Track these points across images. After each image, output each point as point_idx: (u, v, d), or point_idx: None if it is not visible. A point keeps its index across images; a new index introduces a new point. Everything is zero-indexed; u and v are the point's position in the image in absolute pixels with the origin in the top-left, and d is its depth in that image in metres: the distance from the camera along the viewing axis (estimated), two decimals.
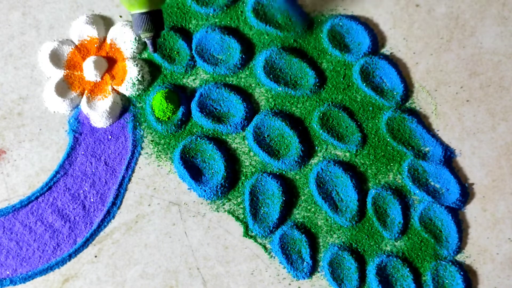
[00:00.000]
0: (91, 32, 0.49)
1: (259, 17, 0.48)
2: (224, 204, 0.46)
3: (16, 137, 0.48)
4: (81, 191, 0.46)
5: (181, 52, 0.48)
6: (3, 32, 0.49)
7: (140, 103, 0.48)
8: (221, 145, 0.47)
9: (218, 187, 0.46)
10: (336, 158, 0.47)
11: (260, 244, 0.45)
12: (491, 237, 0.45)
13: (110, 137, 0.48)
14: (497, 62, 0.48)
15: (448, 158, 0.46)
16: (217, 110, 0.47)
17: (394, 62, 0.48)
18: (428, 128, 0.47)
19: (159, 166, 0.47)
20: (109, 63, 0.49)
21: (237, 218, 0.46)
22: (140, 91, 0.48)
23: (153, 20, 0.40)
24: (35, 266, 0.45)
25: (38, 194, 0.46)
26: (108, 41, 0.49)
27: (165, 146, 0.47)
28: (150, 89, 0.48)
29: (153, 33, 0.41)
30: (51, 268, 0.45)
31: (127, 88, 0.48)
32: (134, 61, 0.48)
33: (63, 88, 0.48)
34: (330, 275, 0.44)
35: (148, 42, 0.41)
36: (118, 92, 0.48)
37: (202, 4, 0.48)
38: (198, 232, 0.46)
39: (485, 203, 0.46)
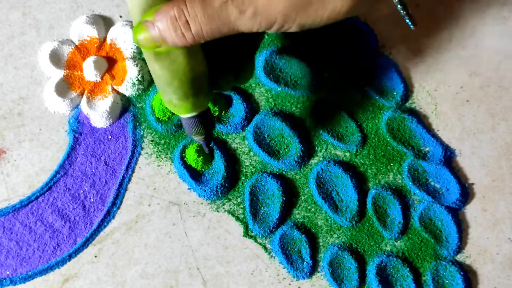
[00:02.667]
0: (91, 32, 0.49)
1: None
2: (224, 204, 0.46)
3: (16, 137, 0.48)
4: (81, 191, 0.46)
5: None
6: (3, 32, 0.49)
7: (140, 103, 0.48)
8: (221, 145, 0.47)
9: (218, 187, 0.46)
10: (336, 158, 0.47)
11: (260, 244, 0.45)
12: (491, 237, 0.45)
13: (110, 137, 0.48)
14: (497, 62, 0.48)
15: (448, 158, 0.46)
16: None
17: (394, 62, 0.48)
18: (428, 128, 0.47)
19: (159, 166, 0.47)
20: (109, 63, 0.49)
21: (237, 218, 0.46)
22: (140, 91, 0.48)
23: (203, 122, 0.38)
24: (35, 266, 0.45)
25: (38, 194, 0.46)
26: (108, 41, 0.49)
27: (165, 146, 0.47)
28: (150, 89, 0.48)
29: (204, 135, 0.39)
30: (51, 268, 0.45)
31: (127, 88, 0.48)
32: (134, 61, 0.48)
33: (63, 88, 0.48)
34: (330, 275, 0.44)
35: (202, 143, 0.40)
36: (118, 92, 0.48)
37: None
38: (198, 232, 0.46)
39: (485, 203, 0.46)
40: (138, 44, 0.35)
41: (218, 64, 0.38)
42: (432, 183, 0.46)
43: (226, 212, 0.46)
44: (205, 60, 0.36)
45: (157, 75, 0.36)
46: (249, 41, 0.39)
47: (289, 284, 0.45)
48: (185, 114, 0.38)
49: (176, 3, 0.33)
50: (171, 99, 0.37)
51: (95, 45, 0.49)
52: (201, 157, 0.46)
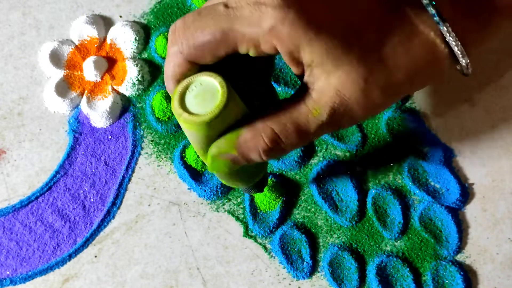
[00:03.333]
0: (91, 32, 0.49)
1: None
2: (224, 204, 0.46)
3: (16, 137, 0.48)
4: (81, 191, 0.46)
5: None
6: (3, 32, 0.50)
7: (140, 103, 0.48)
8: None
9: (218, 187, 0.46)
10: (336, 158, 0.47)
11: (260, 244, 0.45)
12: (491, 237, 0.45)
13: (110, 137, 0.48)
14: (497, 62, 0.48)
15: (448, 158, 0.46)
16: None
17: None
18: (428, 128, 0.47)
19: (159, 166, 0.47)
20: (109, 63, 0.49)
21: (237, 218, 0.46)
22: (140, 91, 0.48)
23: (261, 184, 0.40)
24: (35, 266, 0.45)
25: (38, 194, 0.46)
26: (108, 41, 0.49)
27: (165, 146, 0.47)
28: (150, 89, 0.48)
29: (260, 192, 0.42)
30: (51, 268, 0.45)
31: (127, 88, 0.48)
32: (134, 61, 0.48)
33: (63, 88, 0.48)
34: (330, 275, 0.44)
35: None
36: (118, 92, 0.48)
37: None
38: (198, 232, 0.46)
39: (485, 203, 0.46)
40: (213, 171, 0.34)
41: None
42: (432, 183, 0.46)
43: (226, 212, 0.46)
44: None
45: (223, 178, 0.37)
46: None
47: (289, 284, 0.45)
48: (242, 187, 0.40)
49: (264, 132, 0.31)
50: (238, 187, 0.40)
51: (95, 45, 0.49)
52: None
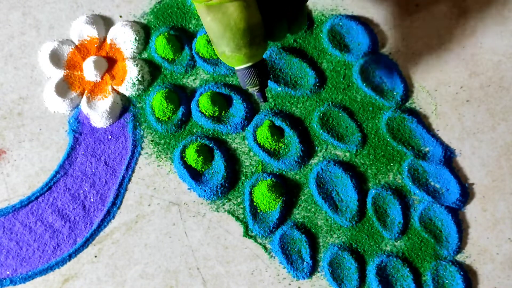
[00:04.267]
0: (91, 32, 0.49)
1: None
2: (224, 204, 0.46)
3: (16, 137, 0.48)
4: (81, 191, 0.46)
5: (181, 52, 0.49)
6: (3, 32, 0.49)
7: (140, 103, 0.48)
8: (221, 145, 0.47)
9: (218, 187, 0.46)
10: (336, 158, 0.47)
11: (260, 244, 0.45)
12: (491, 237, 0.45)
13: (110, 137, 0.48)
14: (497, 62, 0.48)
15: (448, 158, 0.46)
16: None
17: (394, 62, 0.48)
18: (428, 128, 0.47)
19: (159, 166, 0.47)
20: (109, 63, 0.49)
21: (237, 218, 0.46)
22: (140, 91, 0.48)
23: (258, 73, 0.38)
24: (35, 266, 0.45)
25: (38, 194, 0.46)
26: (108, 41, 0.49)
27: (165, 146, 0.47)
28: (150, 89, 0.48)
29: (259, 86, 0.39)
30: (51, 268, 0.45)
31: (127, 88, 0.48)
32: (134, 61, 0.48)
33: (63, 88, 0.48)
34: (330, 275, 0.44)
35: (256, 94, 0.39)
36: (118, 92, 0.48)
37: None
38: (198, 232, 0.46)
39: (485, 203, 0.46)
40: None
41: (271, 13, 0.38)
42: (432, 183, 0.46)
43: (226, 212, 0.46)
44: (258, 11, 0.36)
45: (209, 28, 0.36)
46: None
47: (289, 284, 0.45)
48: (239, 66, 0.38)
49: None
50: (224, 51, 0.37)
51: (95, 45, 0.49)
52: (201, 157, 0.46)
